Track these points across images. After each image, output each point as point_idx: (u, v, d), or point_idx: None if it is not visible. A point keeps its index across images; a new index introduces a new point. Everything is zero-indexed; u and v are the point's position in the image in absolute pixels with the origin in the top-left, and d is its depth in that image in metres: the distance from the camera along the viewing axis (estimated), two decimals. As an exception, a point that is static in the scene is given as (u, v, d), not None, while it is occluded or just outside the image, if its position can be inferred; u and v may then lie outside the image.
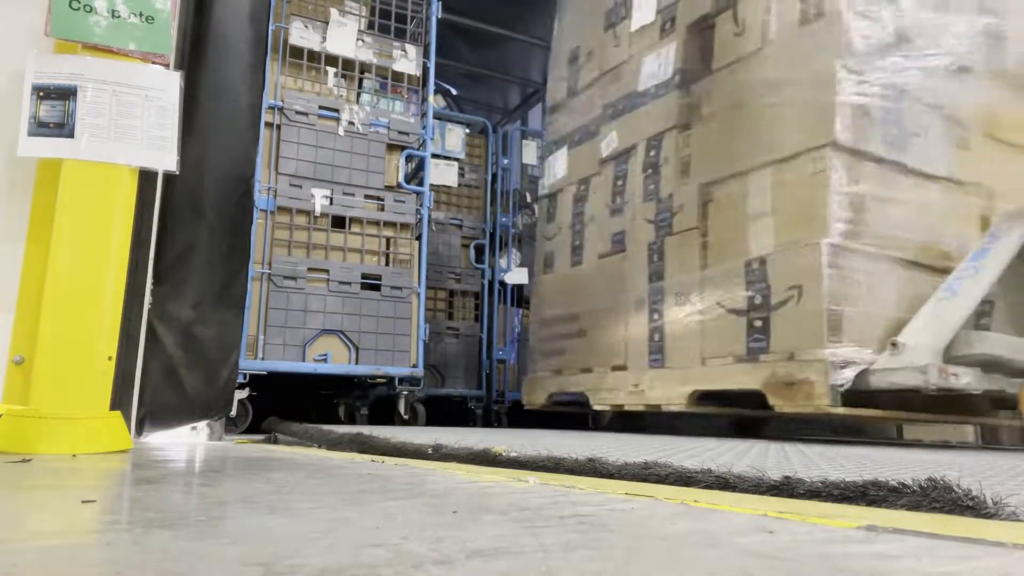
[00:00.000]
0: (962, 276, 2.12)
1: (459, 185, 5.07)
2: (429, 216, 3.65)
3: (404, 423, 3.47)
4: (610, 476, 1.17)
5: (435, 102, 4.38)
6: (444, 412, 4.43)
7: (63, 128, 1.85)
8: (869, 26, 2.26)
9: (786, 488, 0.95)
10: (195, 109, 2.41)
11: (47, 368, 1.78)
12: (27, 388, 1.79)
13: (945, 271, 2.22)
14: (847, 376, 2.03)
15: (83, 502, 0.88)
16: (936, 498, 0.81)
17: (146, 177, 2.08)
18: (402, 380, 3.42)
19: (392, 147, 3.60)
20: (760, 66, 2.41)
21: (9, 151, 1.87)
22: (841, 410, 2.04)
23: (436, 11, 3.82)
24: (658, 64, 2.84)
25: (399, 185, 3.58)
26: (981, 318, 2.21)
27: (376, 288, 3.45)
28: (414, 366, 3.46)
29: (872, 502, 0.86)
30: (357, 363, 3.34)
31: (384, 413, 3.75)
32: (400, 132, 3.61)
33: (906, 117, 2.28)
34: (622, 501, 0.89)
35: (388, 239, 3.56)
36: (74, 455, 1.64)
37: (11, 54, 1.91)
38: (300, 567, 0.50)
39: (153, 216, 2.29)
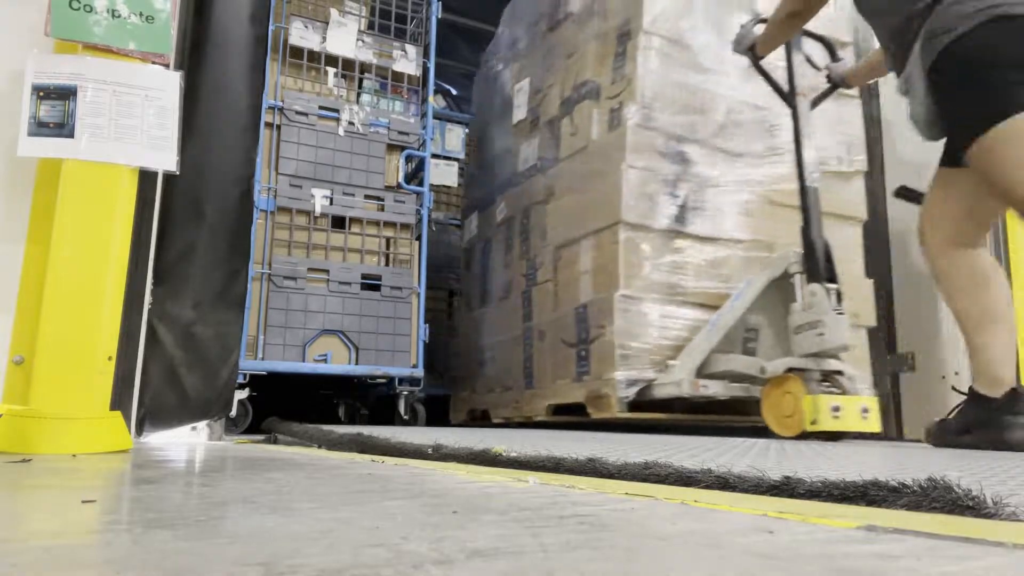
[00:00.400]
0: (722, 312, 2.75)
1: (459, 185, 5.07)
2: (429, 216, 3.65)
3: (404, 423, 3.47)
4: (610, 476, 1.17)
5: (435, 102, 4.38)
6: (444, 412, 4.44)
7: (63, 128, 1.85)
8: (652, 135, 2.95)
9: (786, 488, 0.95)
10: (195, 109, 2.41)
11: (47, 368, 1.78)
12: (27, 388, 1.79)
13: None
14: (631, 391, 2.70)
15: (83, 502, 0.88)
16: (936, 498, 0.81)
17: (146, 177, 2.08)
18: (402, 380, 3.42)
19: (392, 147, 3.60)
20: (585, 160, 3.16)
21: (9, 151, 1.87)
22: (628, 415, 2.71)
23: (436, 11, 3.82)
24: (529, 152, 3.66)
25: (399, 185, 3.58)
26: (748, 342, 2.82)
27: (376, 288, 3.45)
28: (414, 366, 3.46)
29: (872, 502, 0.86)
30: (357, 363, 3.34)
31: (384, 413, 3.75)
32: (400, 132, 3.61)
33: (688, 197, 2.98)
34: (622, 501, 0.89)
35: (388, 239, 3.56)
36: (74, 455, 1.65)
37: (11, 54, 1.91)
38: (300, 567, 0.50)
39: (153, 216, 2.29)
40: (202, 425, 2.53)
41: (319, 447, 2.19)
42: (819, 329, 2.35)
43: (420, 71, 3.76)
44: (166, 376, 2.37)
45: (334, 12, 3.58)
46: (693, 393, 2.61)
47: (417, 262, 3.59)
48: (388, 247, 3.55)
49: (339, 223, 3.44)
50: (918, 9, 1.88)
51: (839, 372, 2.39)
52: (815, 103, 2.66)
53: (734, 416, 2.97)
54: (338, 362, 3.31)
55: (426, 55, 3.78)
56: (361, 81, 3.64)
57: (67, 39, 1.90)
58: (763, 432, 2.49)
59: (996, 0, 1.76)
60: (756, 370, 2.57)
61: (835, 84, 2.72)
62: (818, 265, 2.46)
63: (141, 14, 1.94)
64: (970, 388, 1.99)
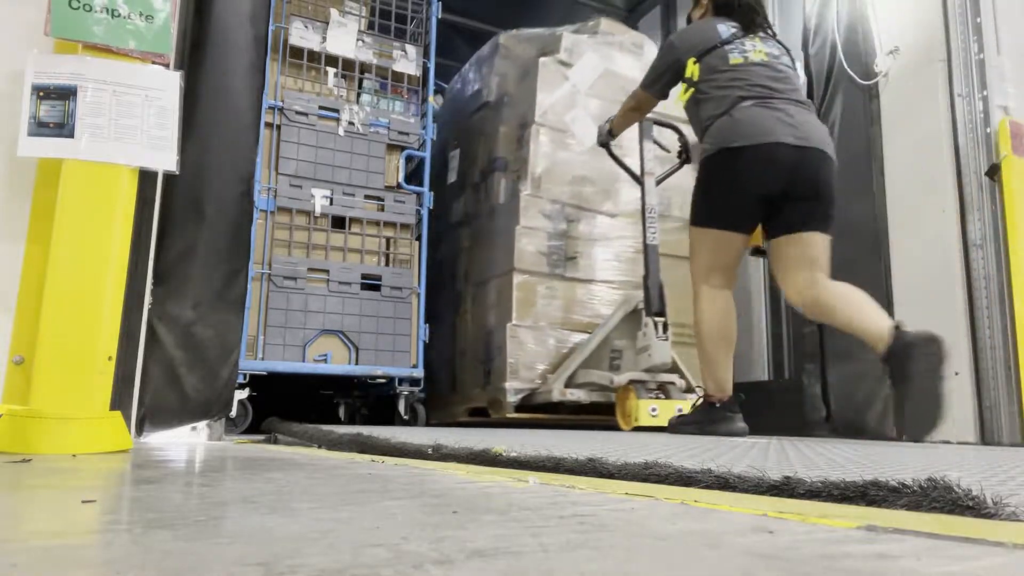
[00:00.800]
0: (589, 338, 3.51)
1: (459, 185, 5.05)
2: (429, 216, 3.66)
3: (404, 423, 3.47)
4: (610, 476, 1.17)
5: (435, 102, 4.38)
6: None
7: (63, 128, 1.85)
8: (541, 202, 3.66)
9: (786, 488, 0.95)
10: (195, 109, 2.41)
11: (47, 368, 1.78)
12: (27, 388, 1.79)
13: None
14: (518, 397, 3.43)
15: (83, 502, 0.88)
16: (936, 498, 0.81)
17: (146, 177, 2.08)
18: (402, 380, 3.42)
19: (392, 147, 3.60)
20: (494, 219, 3.90)
21: (9, 151, 1.87)
22: (517, 415, 3.41)
23: (436, 11, 3.82)
24: (458, 208, 4.38)
25: (399, 185, 3.58)
26: (614, 360, 3.49)
27: (376, 288, 3.44)
28: (414, 366, 3.46)
29: (872, 502, 0.86)
30: (357, 363, 3.34)
31: (384, 413, 3.75)
32: (400, 132, 3.61)
33: (571, 248, 3.70)
34: (622, 501, 0.89)
35: (388, 239, 3.56)
36: (74, 455, 1.65)
37: (11, 54, 1.91)
38: (300, 567, 0.50)
39: (153, 216, 2.29)
40: (202, 425, 2.53)
41: (319, 447, 2.19)
42: (648, 351, 3.06)
43: (420, 71, 3.76)
44: (166, 376, 2.37)
45: (334, 12, 3.58)
46: (562, 399, 3.33)
47: (417, 262, 3.59)
48: (388, 247, 3.55)
49: (339, 223, 3.44)
50: (703, 129, 2.67)
51: (671, 383, 3.12)
52: (659, 181, 3.36)
53: (596, 416, 3.56)
54: (338, 362, 3.31)
55: (426, 55, 3.77)
56: (361, 81, 3.63)
57: (67, 39, 1.90)
58: (615, 427, 3.19)
59: (723, 137, 2.55)
60: (607, 381, 3.25)
61: (683, 162, 3.44)
62: (651, 303, 3.13)
63: (141, 14, 1.94)
64: (704, 393, 2.76)
